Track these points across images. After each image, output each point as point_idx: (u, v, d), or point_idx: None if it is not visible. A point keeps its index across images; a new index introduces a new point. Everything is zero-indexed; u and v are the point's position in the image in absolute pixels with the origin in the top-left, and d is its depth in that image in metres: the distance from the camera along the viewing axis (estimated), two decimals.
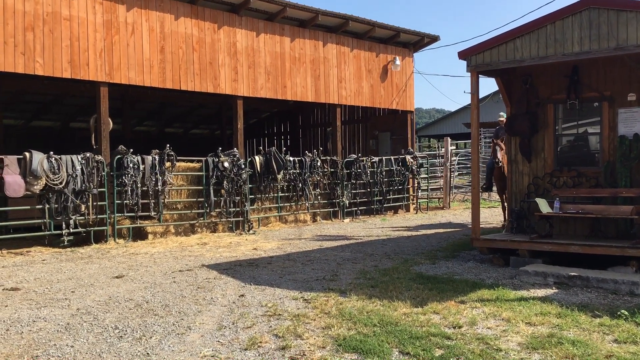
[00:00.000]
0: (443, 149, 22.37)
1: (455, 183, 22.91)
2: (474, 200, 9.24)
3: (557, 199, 8.75)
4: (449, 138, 21.25)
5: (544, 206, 8.71)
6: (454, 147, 24.58)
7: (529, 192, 9.62)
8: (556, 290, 6.91)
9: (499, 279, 7.58)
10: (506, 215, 11.71)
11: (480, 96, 9.69)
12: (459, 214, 17.79)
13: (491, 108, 33.13)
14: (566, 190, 9.08)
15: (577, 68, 9.02)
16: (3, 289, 7.20)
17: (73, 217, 11.08)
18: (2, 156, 10.57)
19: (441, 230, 13.42)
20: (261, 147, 23.75)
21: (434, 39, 19.33)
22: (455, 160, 22.59)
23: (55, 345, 4.93)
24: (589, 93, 9.09)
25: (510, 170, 10.06)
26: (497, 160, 11.94)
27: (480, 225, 9.40)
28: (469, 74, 9.05)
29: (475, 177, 9.23)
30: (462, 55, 8.98)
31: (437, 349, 4.77)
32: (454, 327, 5.40)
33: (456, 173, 23.13)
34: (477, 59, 8.85)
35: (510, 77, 9.73)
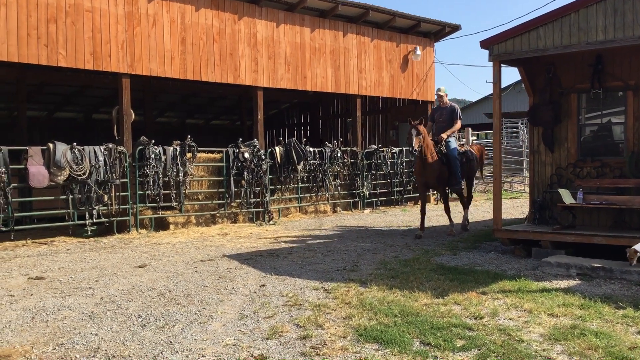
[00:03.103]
0: (464, 140, 22.22)
1: (476, 174, 22.69)
2: (495, 190, 9.16)
3: (581, 189, 8.65)
4: (469, 128, 21.09)
5: (566, 197, 8.62)
6: (475, 138, 24.39)
7: (552, 183, 9.52)
8: (579, 282, 6.84)
9: (521, 270, 7.53)
10: (421, 225, 10.76)
11: (502, 86, 9.57)
12: (479, 205, 17.67)
13: (513, 98, 32.82)
14: (589, 181, 8.97)
15: (601, 57, 8.88)
16: (28, 278, 7.33)
17: (96, 207, 11.21)
18: (27, 147, 10.72)
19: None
20: (281, 138, 23.82)
21: (455, 28, 19.15)
22: None
23: (79, 333, 5.00)
24: (613, 82, 8.94)
25: (532, 161, 9.96)
26: (413, 149, 10.18)
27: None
28: (490, 63, 8.96)
29: (497, 168, 9.14)
30: (485, 44, 8.89)
31: (458, 340, 4.76)
32: (476, 318, 5.38)
33: None
34: (499, 48, 8.75)
35: (533, 66, 9.61)
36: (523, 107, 22.46)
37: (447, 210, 11.20)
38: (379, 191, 16.91)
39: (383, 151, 16.86)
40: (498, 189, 9.12)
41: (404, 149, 17.61)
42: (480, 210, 16.00)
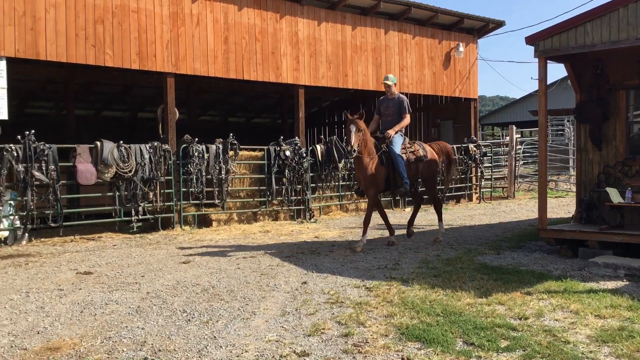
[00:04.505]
0: (507, 137, 21.87)
1: (521, 172, 22.35)
2: (541, 189, 9.00)
3: (629, 188, 8.42)
4: (514, 126, 20.75)
5: (615, 196, 8.40)
6: (519, 135, 23.98)
7: (599, 182, 9.29)
8: (627, 283, 6.67)
9: (567, 271, 7.38)
10: (365, 229, 9.32)
11: (548, 82, 9.36)
12: (524, 203, 17.37)
13: (559, 94, 32.14)
14: (639, 180, 8.72)
15: None
16: (77, 273, 7.53)
17: (141, 204, 11.45)
18: (75, 145, 11.02)
19: (505, 220, 13.15)
20: (322, 136, 23.83)
21: (499, 24, 18.86)
22: (520, 148, 22.03)
23: (126, 327, 5.13)
24: None
25: (579, 159, 9.75)
26: (350, 149, 8.85)
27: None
28: (536, 59, 8.80)
29: (543, 166, 8.98)
30: (530, 40, 8.73)
31: (502, 340, 4.70)
32: (520, 319, 5.30)
33: (521, 162, 22.56)
34: (545, 44, 8.58)
35: (580, 62, 9.40)
36: (569, 104, 22.00)
37: (367, 221, 9.45)
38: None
39: None
40: (543, 188, 8.96)
41: None
42: (524, 209, 15.73)
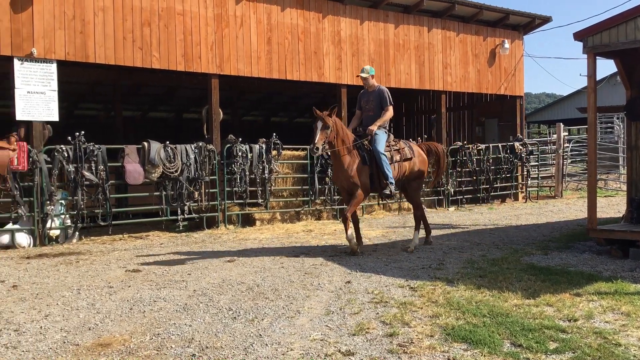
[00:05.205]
0: (554, 136, 21.41)
1: (568, 171, 21.85)
2: (590, 188, 8.78)
3: None
4: (561, 124, 20.28)
5: None
6: (567, 133, 23.45)
7: None
8: None
9: (617, 272, 7.18)
10: (347, 227, 8.51)
11: (597, 78, 9.10)
12: (572, 203, 16.98)
13: (608, 91, 31.26)
14: None
15: None
16: (126, 271, 7.71)
17: (187, 203, 11.65)
18: (123, 146, 11.28)
19: (553, 220, 12.88)
20: None
21: (545, 20, 18.47)
22: (568, 147, 21.54)
23: (174, 324, 5.22)
24: None
25: (630, 157, 9.47)
26: (312, 147, 8.23)
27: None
28: (584, 55, 8.58)
29: (592, 165, 8.76)
30: (578, 36, 8.53)
31: (551, 342, 4.61)
32: (569, 320, 5.19)
33: (569, 160, 22.05)
34: (594, 39, 8.37)
35: (631, 58, 9.12)
36: (619, 100, 21.36)
37: (346, 221, 8.55)
38: (464, 189, 16.58)
39: (469, 148, 16.51)
40: (593, 187, 8.74)
41: (491, 145, 17.20)
42: (573, 208, 15.37)
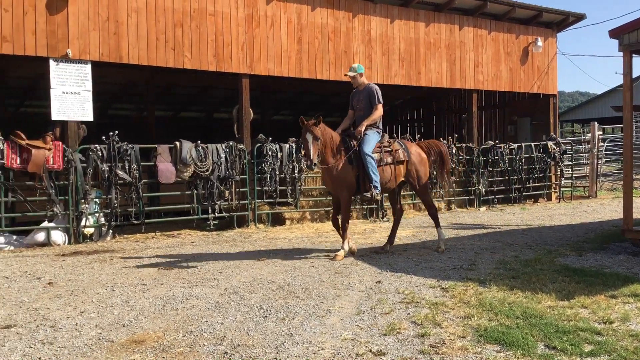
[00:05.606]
0: (588, 135, 21.02)
1: (603, 170, 21.43)
2: (626, 188, 8.61)
3: None
4: (595, 123, 19.90)
5: None
6: (601, 132, 22.99)
7: None
8: None
9: None
10: (344, 236, 8.45)
11: (633, 76, 8.92)
12: (606, 203, 16.65)
13: None
14: None
15: None
16: (159, 268, 7.81)
17: (218, 202, 11.74)
18: (156, 145, 11.42)
19: (587, 221, 12.65)
20: (394, 135, 23.67)
21: (579, 17, 18.15)
22: (602, 146, 21.12)
23: (207, 321, 5.27)
24: None
25: None
26: (310, 164, 7.89)
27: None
28: (620, 53, 8.43)
29: (628, 164, 8.59)
30: (614, 33, 8.38)
31: (586, 345, 4.53)
32: (605, 323, 5.09)
33: (603, 160, 21.62)
34: (630, 37, 8.22)
35: None
36: None
37: (344, 228, 8.50)
38: (495, 188, 16.39)
39: (500, 147, 16.32)
40: (629, 186, 8.56)
41: (523, 144, 16.97)
42: (607, 209, 15.08)
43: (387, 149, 8.72)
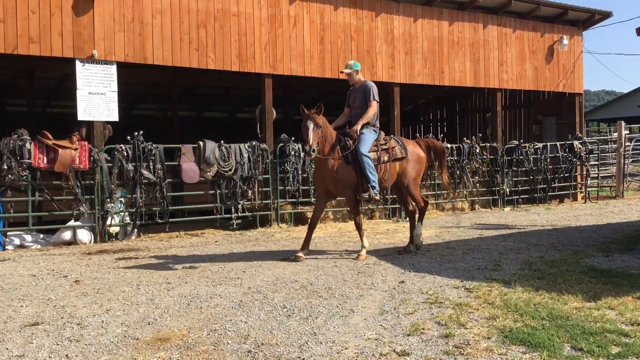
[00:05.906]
0: (615, 134, 20.72)
1: (630, 170, 21.09)
2: None
3: None
4: (622, 122, 19.59)
5: None
6: (628, 132, 22.64)
7: None
8: None
9: None
10: (360, 234, 8.47)
11: None
12: (633, 204, 16.38)
13: None
14: None
15: None
16: (183, 267, 7.87)
17: (241, 202, 11.80)
18: (180, 145, 11.52)
19: (614, 221, 12.46)
20: (417, 134, 23.57)
21: (605, 15, 17.88)
22: (629, 145, 20.79)
23: (230, 320, 5.29)
24: None
25: None
26: (309, 150, 7.73)
27: None
28: None
29: None
30: None
31: (613, 346, 4.46)
32: (632, 324, 5.00)
33: (630, 160, 21.28)
34: None
35: None
36: None
37: (359, 226, 8.53)
38: (520, 188, 16.22)
39: (525, 147, 16.15)
40: None
41: (548, 144, 16.77)
42: (635, 209, 14.84)
43: (384, 147, 8.60)
